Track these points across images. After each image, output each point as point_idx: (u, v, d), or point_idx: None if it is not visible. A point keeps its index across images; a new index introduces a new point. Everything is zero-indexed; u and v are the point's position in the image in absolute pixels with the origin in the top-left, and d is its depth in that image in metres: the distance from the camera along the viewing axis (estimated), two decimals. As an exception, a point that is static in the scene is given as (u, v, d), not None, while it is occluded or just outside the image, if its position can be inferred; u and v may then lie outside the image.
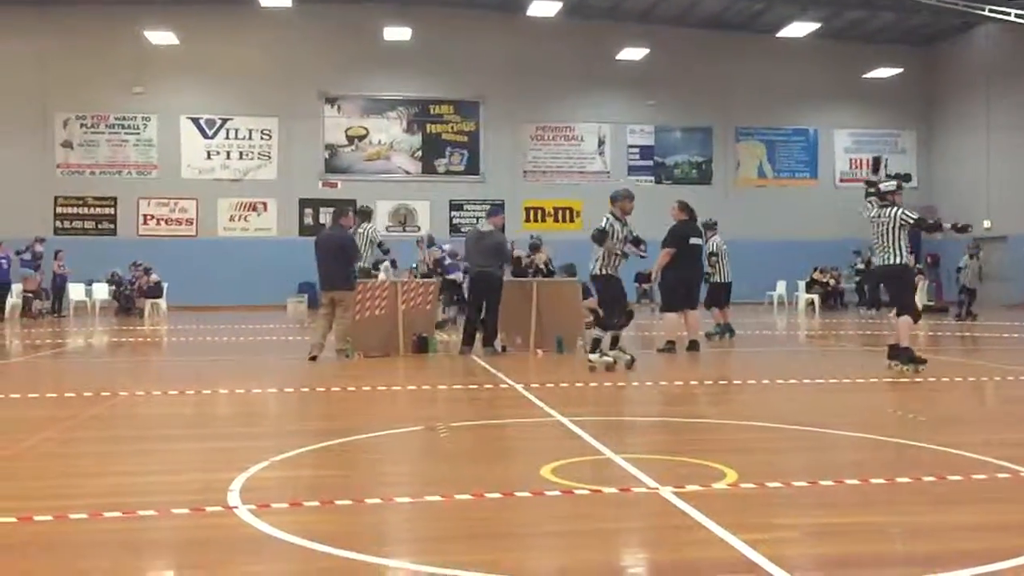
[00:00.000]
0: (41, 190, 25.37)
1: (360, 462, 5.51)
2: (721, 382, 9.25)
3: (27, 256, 20.62)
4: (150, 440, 6.03)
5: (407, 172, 27.75)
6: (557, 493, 4.38)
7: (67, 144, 25.97)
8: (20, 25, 25.13)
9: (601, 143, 28.34)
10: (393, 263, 14.41)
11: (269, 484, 4.64)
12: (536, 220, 27.48)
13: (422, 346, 11.19)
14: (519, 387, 8.25)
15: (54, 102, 25.74)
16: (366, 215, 13.08)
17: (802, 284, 24.81)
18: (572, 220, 27.69)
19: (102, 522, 3.93)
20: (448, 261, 16.88)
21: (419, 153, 27.75)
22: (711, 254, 13.47)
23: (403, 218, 27.20)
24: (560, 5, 23.82)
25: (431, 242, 18.00)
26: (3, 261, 16.10)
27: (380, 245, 12.95)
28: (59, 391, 8.21)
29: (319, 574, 3.37)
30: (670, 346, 11.35)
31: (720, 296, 13.80)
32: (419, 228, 26.30)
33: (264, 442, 5.95)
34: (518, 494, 4.37)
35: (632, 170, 28.02)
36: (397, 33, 25.35)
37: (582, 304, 11.66)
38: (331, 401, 7.96)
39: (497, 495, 4.34)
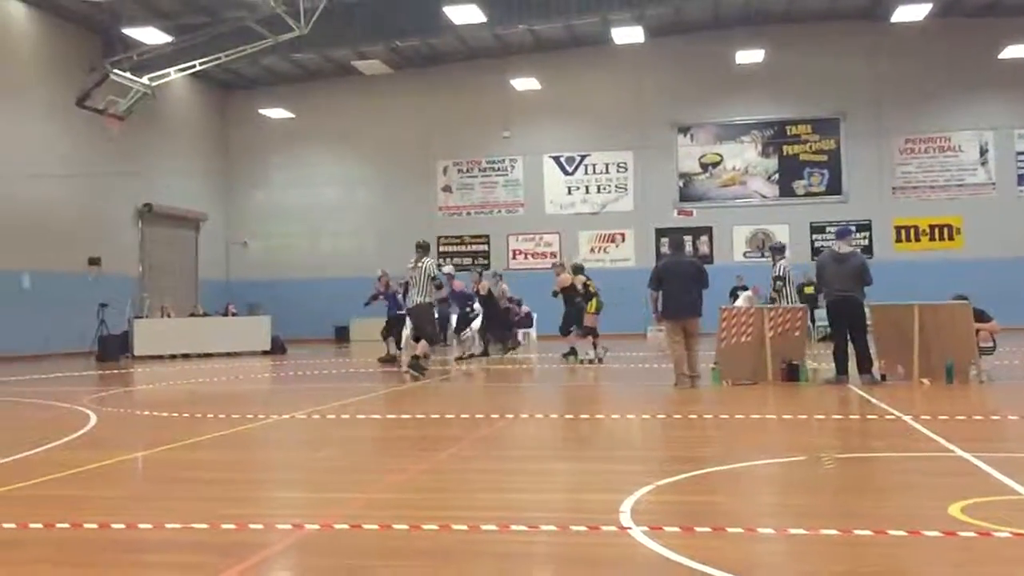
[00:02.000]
0: (426, 231, 28.20)
1: (745, 490, 5.42)
2: None
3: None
4: (537, 460, 6.39)
5: (764, 196, 27.12)
6: (973, 534, 3.99)
7: (447, 188, 28.68)
8: (409, 85, 28.25)
9: (983, 152, 25.72)
10: (444, 300, 16.49)
11: (658, 507, 4.71)
12: (909, 239, 25.56)
13: (792, 374, 10.80)
14: (907, 418, 7.66)
15: (436, 151, 28.59)
16: (425, 249, 13.55)
17: None
18: (951, 238, 25.33)
19: (508, 534, 4.23)
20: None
21: (776, 176, 27.04)
22: (777, 278, 12.53)
23: (760, 243, 26.56)
24: (929, 7, 22.08)
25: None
26: (395, 295, 17.91)
27: (434, 279, 13.32)
28: (455, 412, 8.99)
29: (721, 600, 3.34)
30: None
31: None
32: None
33: (644, 466, 6.07)
34: (926, 533, 4.04)
35: (1023, 179, 25.09)
36: (749, 56, 25.00)
37: (974, 328, 10.58)
38: (704, 428, 7.93)
39: (901, 533, 4.05)
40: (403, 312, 16.07)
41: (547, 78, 26.99)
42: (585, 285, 16.51)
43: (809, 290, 19.08)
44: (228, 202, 30.15)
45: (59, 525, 4.49)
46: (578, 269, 17.15)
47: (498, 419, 8.40)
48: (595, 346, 15.85)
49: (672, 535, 4.09)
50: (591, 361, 15.63)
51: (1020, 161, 25.52)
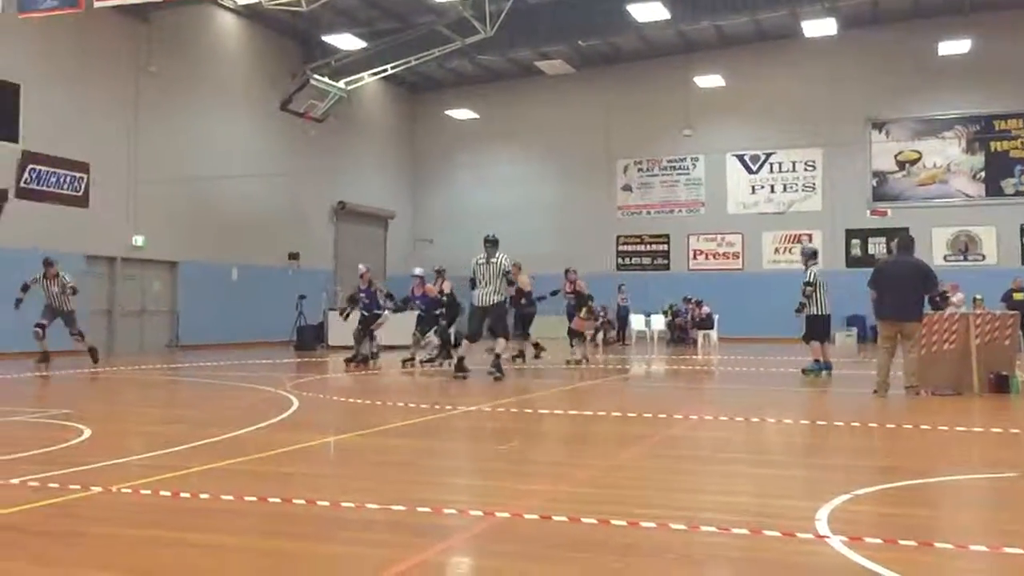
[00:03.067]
0: (606, 230, 28.22)
1: (951, 504, 5.11)
2: None
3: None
4: (726, 462, 6.27)
5: (967, 195, 25.40)
6: None
7: (627, 187, 28.56)
8: (591, 85, 28.34)
9: None
10: (554, 292, 16.57)
11: (857, 517, 4.52)
12: None
13: (1001, 385, 10.06)
14: None
15: (616, 150, 28.53)
16: (496, 244, 12.89)
17: None
18: None
19: (698, 534, 4.17)
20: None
21: (982, 174, 25.26)
22: (807, 284, 12.62)
23: (963, 246, 24.88)
24: None
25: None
26: (375, 293, 17.09)
27: (507, 275, 12.71)
28: (638, 411, 8.95)
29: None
30: None
31: (818, 329, 12.88)
32: (983, 257, 23.89)
33: (840, 474, 5.84)
34: None
35: None
36: (954, 47, 23.47)
37: None
38: (904, 438, 7.53)
39: None
40: (381, 311, 15.67)
41: (731, 74, 26.37)
42: (576, 291, 16.38)
43: (1019, 296, 17.74)
44: (415, 200, 31.27)
45: (271, 499, 4.81)
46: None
47: (682, 419, 8.30)
48: (584, 345, 16.09)
49: (874, 547, 3.91)
50: (578, 361, 15.55)
51: None
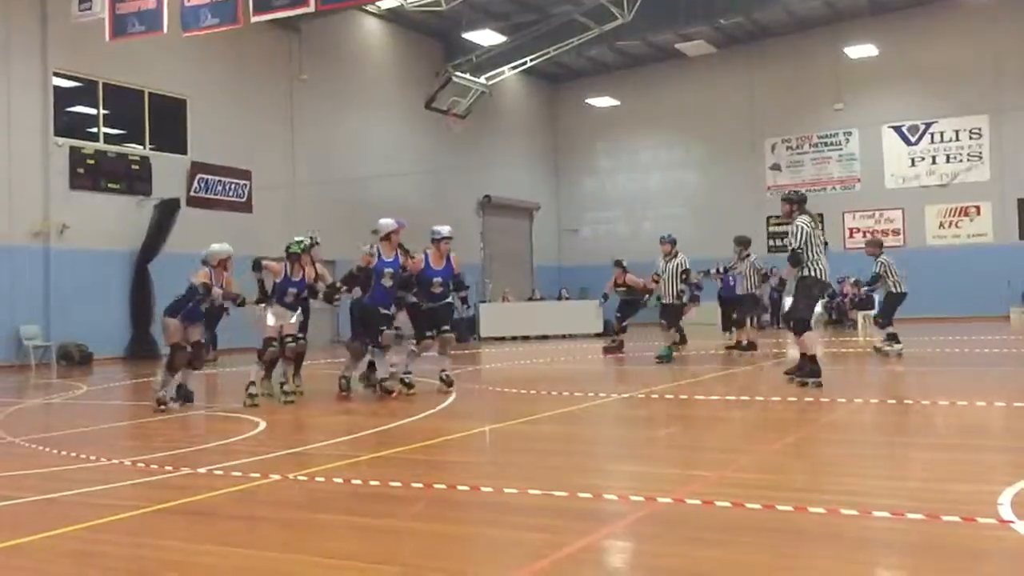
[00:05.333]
0: (755, 212, 27.46)
1: None
2: None
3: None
4: (892, 446, 6.02)
5: None
6: None
7: (775, 167, 27.71)
8: (733, 64, 27.63)
9: None
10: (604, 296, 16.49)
11: (1044, 502, 4.25)
12: None
13: None
14: None
15: (763, 129, 27.72)
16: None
17: None
18: None
19: (870, 519, 4.03)
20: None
21: None
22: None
23: None
24: None
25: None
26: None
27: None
28: (798, 396, 8.69)
29: None
30: None
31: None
32: None
33: (1020, 456, 5.51)
34: None
35: None
36: None
37: None
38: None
39: None
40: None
41: (884, 43, 25.11)
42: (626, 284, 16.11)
43: None
44: (558, 191, 31.38)
45: (436, 485, 4.97)
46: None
47: (845, 403, 8.01)
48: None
49: (1065, 532, 3.67)
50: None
51: None
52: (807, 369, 9.03)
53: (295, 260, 9.37)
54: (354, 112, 23.44)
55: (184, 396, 9.16)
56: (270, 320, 9.22)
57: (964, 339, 16.18)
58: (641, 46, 27.54)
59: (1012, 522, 3.83)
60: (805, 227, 9.06)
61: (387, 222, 9.62)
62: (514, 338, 21.86)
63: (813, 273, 9.03)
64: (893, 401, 8.05)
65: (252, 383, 8.93)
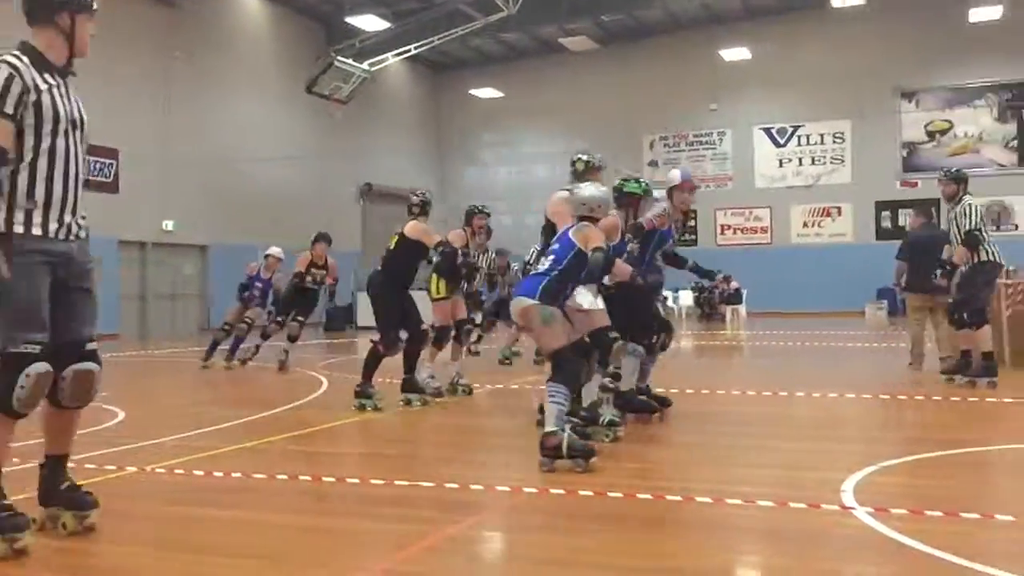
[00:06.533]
0: (631, 207, 28.03)
1: (979, 475, 5.10)
2: None
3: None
4: (753, 436, 6.28)
5: (1000, 165, 25.02)
6: None
7: (653, 163, 28.40)
8: (615, 60, 28.12)
9: None
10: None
11: (883, 488, 4.52)
12: None
13: (1034, 356, 9.94)
14: None
15: (642, 125, 28.35)
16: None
17: None
18: None
19: (723, 507, 4.20)
20: None
21: (1014, 143, 24.84)
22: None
23: (996, 216, 24.52)
24: None
25: None
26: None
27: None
28: (664, 388, 8.94)
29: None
30: None
31: None
32: (1015, 227, 23.57)
33: (865, 446, 5.84)
34: None
35: None
36: (985, 13, 23.00)
37: None
38: (933, 410, 7.49)
39: None
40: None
41: (758, 47, 26.06)
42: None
43: None
44: (441, 180, 31.30)
45: (301, 477, 4.90)
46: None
47: (708, 394, 8.31)
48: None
49: (900, 517, 3.92)
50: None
51: None
52: (983, 366, 8.28)
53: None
54: (232, 93, 22.73)
55: None
56: None
57: (824, 333, 17.01)
58: (525, 39, 27.73)
59: (853, 508, 4.06)
60: (977, 206, 8.43)
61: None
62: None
63: (992, 257, 8.32)
64: (753, 392, 8.39)
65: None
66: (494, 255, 11.96)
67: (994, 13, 22.93)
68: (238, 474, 4.95)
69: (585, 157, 7.16)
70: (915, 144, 25.80)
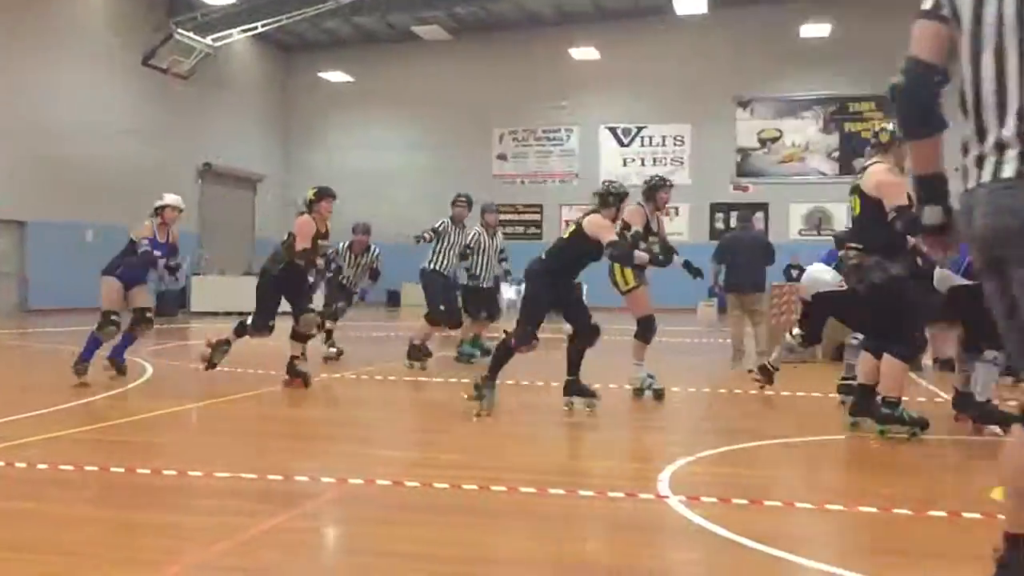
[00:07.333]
0: (481, 198, 28.18)
1: (785, 465, 5.42)
2: None
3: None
4: (577, 428, 6.44)
5: (823, 173, 26.65)
6: (1014, 519, 3.95)
7: (502, 156, 28.68)
8: (468, 52, 28.19)
9: None
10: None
11: (697, 478, 4.74)
12: (971, 222, 24.97)
13: (842, 353, 10.66)
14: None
15: (492, 119, 28.55)
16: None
17: None
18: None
19: (546, 497, 4.29)
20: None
21: (836, 153, 26.53)
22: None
23: (817, 222, 26.15)
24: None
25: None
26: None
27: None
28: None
29: (750, 571, 3.37)
30: None
31: None
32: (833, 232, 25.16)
33: (686, 437, 6.10)
34: (966, 515, 4.01)
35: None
36: (815, 29, 24.45)
37: None
38: (751, 403, 7.90)
39: (941, 514, 4.03)
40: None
41: (606, 48, 26.72)
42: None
43: None
44: (287, 163, 30.50)
45: (113, 468, 4.67)
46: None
47: (543, 386, 8.47)
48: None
49: (709, 505, 4.12)
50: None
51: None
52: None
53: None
54: (57, 59, 21.28)
55: None
56: None
57: (660, 328, 17.62)
58: (379, 24, 27.38)
59: (667, 497, 4.24)
60: None
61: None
62: (228, 313, 20.99)
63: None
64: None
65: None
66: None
67: (823, 31, 24.41)
68: (44, 465, 4.66)
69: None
70: (748, 150, 27.13)
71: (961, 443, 6.03)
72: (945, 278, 6.08)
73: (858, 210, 5.80)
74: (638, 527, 3.90)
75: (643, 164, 27.66)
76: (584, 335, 6.92)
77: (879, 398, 5.79)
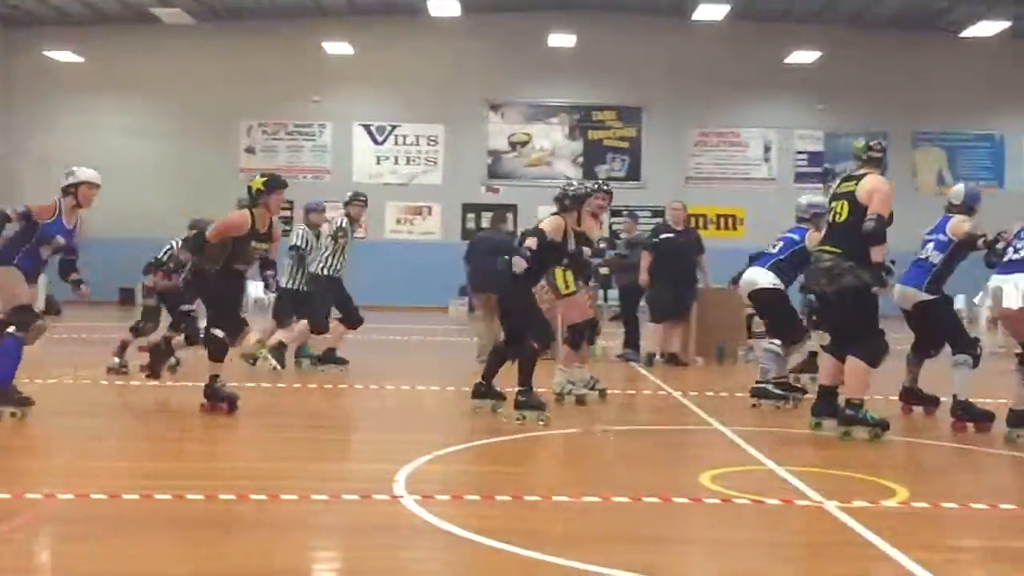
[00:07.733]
0: (228, 192, 27.04)
1: (520, 460, 5.61)
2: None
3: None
4: (316, 430, 6.35)
5: (568, 178, 27.87)
6: (716, 501, 4.33)
7: (250, 149, 27.65)
8: (213, 39, 26.93)
9: (767, 149, 27.59)
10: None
11: (433, 477, 4.80)
12: (698, 227, 27.00)
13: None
14: (677, 394, 8.16)
15: (240, 110, 27.45)
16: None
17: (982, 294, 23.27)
18: (735, 228, 27.10)
19: (278, 503, 4.18)
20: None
21: (581, 159, 27.88)
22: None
23: (563, 223, 27.33)
24: (728, 8, 23.36)
25: None
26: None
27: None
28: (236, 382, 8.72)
29: (479, 566, 3.46)
30: None
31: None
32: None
33: (428, 436, 6.16)
34: (676, 500, 4.34)
35: (800, 176, 27.10)
36: (562, 40, 25.55)
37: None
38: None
39: (655, 500, 4.33)
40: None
41: (361, 44, 26.45)
42: None
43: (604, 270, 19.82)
44: (8, 145, 27.73)
45: None
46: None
47: (284, 388, 8.25)
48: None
49: (442, 503, 4.18)
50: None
51: (799, 160, 27.56)
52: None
53: None
54: None
55: None
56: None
57: (409, 327, 17.74)
58: (113, 2, 25.52)
59: (402, 497, 4.26)
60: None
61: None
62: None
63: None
64: (330, 386, 8.48)
65: None
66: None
67: (569, 41, 25.58)
68: None
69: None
70: (499, 153, 27.90)
71: (682, 432, 6.52)
72: (909, 295, 6.51)
73: (844, 216, 6.02)
74: (371, 529, 3.90)
75: (396, 163, 27.70)
76: (516, 347, 6.65)
77: (843, 399, 6.02)
